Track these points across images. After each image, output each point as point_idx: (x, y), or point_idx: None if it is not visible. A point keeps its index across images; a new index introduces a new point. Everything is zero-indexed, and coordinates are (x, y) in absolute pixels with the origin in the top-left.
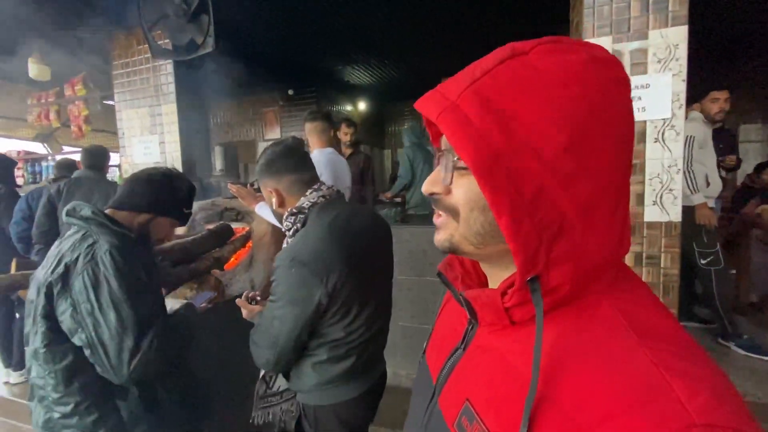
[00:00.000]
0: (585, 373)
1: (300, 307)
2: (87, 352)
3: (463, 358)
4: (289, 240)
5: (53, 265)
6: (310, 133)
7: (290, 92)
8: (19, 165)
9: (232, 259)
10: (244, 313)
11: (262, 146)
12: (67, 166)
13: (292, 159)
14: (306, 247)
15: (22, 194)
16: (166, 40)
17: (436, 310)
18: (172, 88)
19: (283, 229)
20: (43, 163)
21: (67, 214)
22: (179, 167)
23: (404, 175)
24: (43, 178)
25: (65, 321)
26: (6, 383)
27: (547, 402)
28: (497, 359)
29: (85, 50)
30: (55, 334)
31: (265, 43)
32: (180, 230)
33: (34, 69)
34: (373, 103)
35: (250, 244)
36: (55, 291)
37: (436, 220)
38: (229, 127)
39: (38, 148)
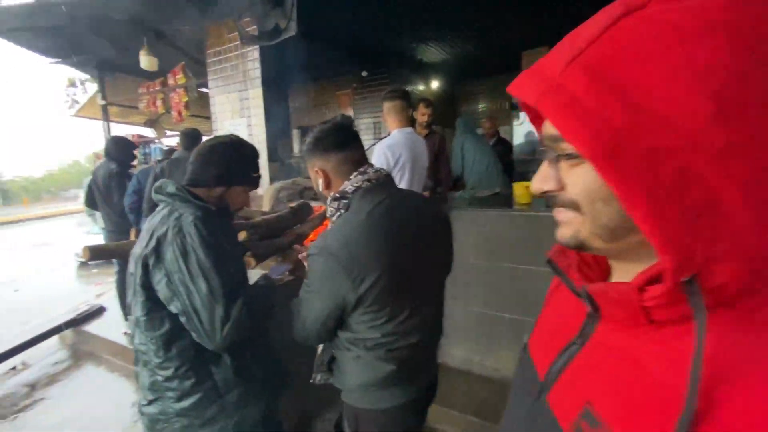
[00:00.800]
0: (757, 389)
1: (325, 300)
2: (183, 319)
3: (580, 355)
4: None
5: (147, 239)
6: (389, 113)
7: (364, 74)
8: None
9: (311, 235)
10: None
11: None
12: (171, 150)
13: (341, 136)
14: (340, 237)
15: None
16: (254, 27)
17: (510, 296)
18: (258, 73)
19: (327, 215)
20: (152, 146)
21: (155, 192)
22: (264, 149)
23: (454, 169)
24: (152, 158)
25: (161, 290)
26: (125, 333)
27: (706, 422)
28: (627, 361)
29: (184, 42)
30: (153, 303)
31: (339, 25)
32: (265, 206)
33: (145, 60)
34: (446, 82)
35: (327, 221)
36: (150, 263)
37: (557, 215)
38: (305, 111)
39: (147, 132)
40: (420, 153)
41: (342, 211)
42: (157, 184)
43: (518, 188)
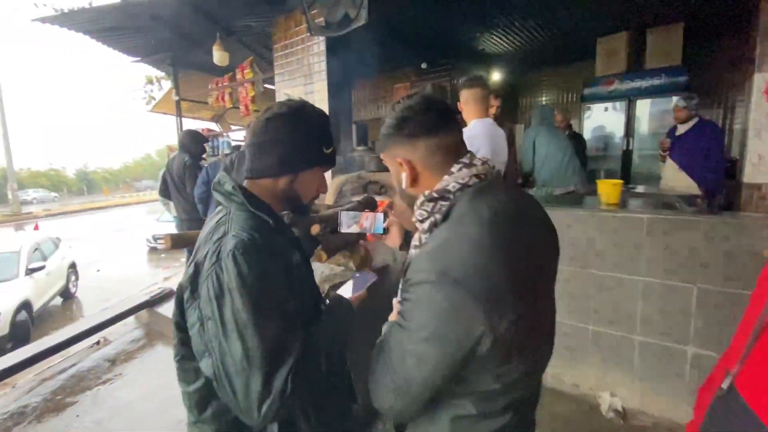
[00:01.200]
0: None
1: (449, 347)
2: (214, 384)
3: None
4: (423, 237)
5: (193, 256)
6: (467, 102)
7: (423, 66)
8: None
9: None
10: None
11: None
12: (238, 145)
13: (434, 116)
14: (461, 257)
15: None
16: (322, 18)
17: (595, 307)
18: (323, 66)
19: (413, 219)
20: (220, 139)
21: (214, 188)
22: None
23: (525, 164)
24: (220, 152)
25: (194, 338)
26: None
27: None
28: None
29: (253, 37)
30: (187, 350)
31: (404, 14)
32: (328, 200)
33: (218, 56)
34: (507, 73)
35: (392, 216)
36: (185, 296)
37: None
38: (361, 106)
39: (214, 127)
40: (500, 146)
41: (438, 216)
42: (216, 178)
43: (604, 186)
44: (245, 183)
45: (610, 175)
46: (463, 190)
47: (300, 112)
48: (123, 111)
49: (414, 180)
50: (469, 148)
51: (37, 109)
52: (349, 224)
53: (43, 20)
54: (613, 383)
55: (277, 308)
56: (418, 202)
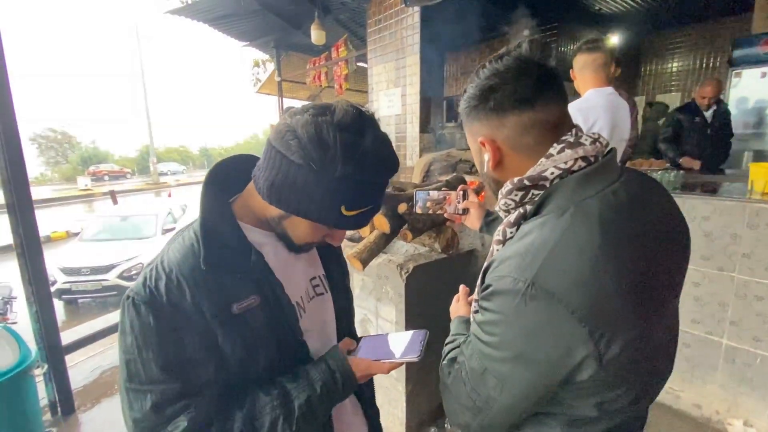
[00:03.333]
0: None
1: (539, 372)
2: None
3: None
4: (509, 231)
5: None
6: (584, 68)
7: (526, 33)
8: None
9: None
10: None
11: None
12: None
13: (529, 83)
14: (558, 262)
15: None
16: None
17: (733, 317)
18: (416, 39)
19: (496, 208)
20: None
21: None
22: (416, 119)
23: (668, 133)
24: None
25: None
26: None
27: None
28: None
29: (348, 14)
30: None
31: None
32: (415, 178)
33: (315, 34)
34: (627, 36)
35: (482, 196)
36: None
37: None
38: (453, 80)
39: None
40: (622, 120)
41: (528, 208)
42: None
43: (759, 171)
44: (248, 185)
45: (761, 157)
46: (565, 177)
47: (330, 143)
48: (234, 93)
49: (499, 163)
50: (582, 121)
51: (166, 95)
52: (424, 204)
53: (174, 12)
54: (748, 410)
55: (165, 371)
56: (504, 190)
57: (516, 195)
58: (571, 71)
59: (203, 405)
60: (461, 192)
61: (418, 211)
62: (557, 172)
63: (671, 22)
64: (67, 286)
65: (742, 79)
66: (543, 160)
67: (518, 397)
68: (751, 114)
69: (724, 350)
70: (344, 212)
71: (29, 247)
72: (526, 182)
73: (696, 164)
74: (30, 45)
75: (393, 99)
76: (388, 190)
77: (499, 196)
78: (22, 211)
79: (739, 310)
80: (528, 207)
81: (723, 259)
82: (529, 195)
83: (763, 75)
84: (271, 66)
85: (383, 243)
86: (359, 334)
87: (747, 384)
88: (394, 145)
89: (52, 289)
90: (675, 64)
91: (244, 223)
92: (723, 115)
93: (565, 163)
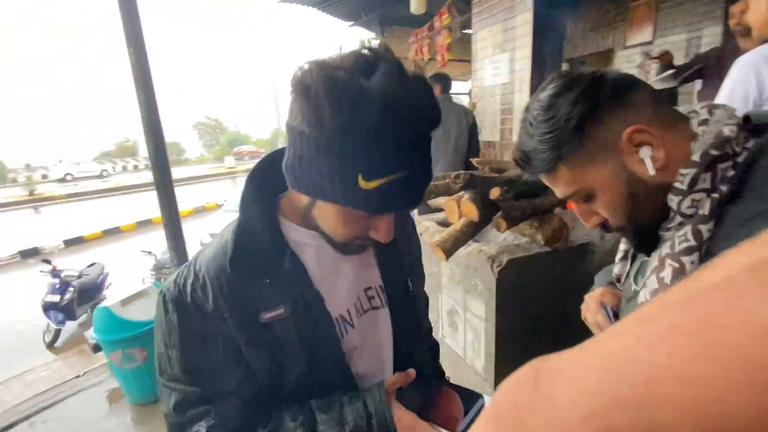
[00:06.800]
0: None
1: None
2: None
3: None
4: (707, 228)
5: None
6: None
7: None
8: None
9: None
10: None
11: (621, 56)
12: None
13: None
14: None
15: None
16: None
17: None
18: None
19: (677, 209)
20: None
21: None
22: (527, 87)
23: None
24: None
25: None
26: None
27: None
28: None
29: None
30: None
31: None
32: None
33: (414, 4)
34: None
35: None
36: None
37: None
38: (579, 38)
39: None
40: None
41: (723, 189)
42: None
43: None
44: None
45: None
46: (761, 133)
47: (326, 93)
48: None
49: (664, 153)
50: (754, 83)
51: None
52: None
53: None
54: None
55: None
56: (684, 185)
57: (703, 181)
58: (734, 17)
59: (225, 414)
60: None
61: None
62: (736, 131)
63: None
64: None
65: None
66: (701, 128)
67: None
68: None
69: None
70: (362, 184)
71: (171, 219)
72: (713, 152)
73: None
74: (187, 48)
75: (499, 66)
76: (481, 171)
77: (674, 203)
78: (165, 189)
79: None
80: (722, 189)
81: None
82: (718, 174)
83: None
84: (376, 44)
85: (471, 232)
86: (447, 326)
87: None
88: (498, 118)
89: None
90: None
91: (289, 222)
92: None
93: (732, 121)
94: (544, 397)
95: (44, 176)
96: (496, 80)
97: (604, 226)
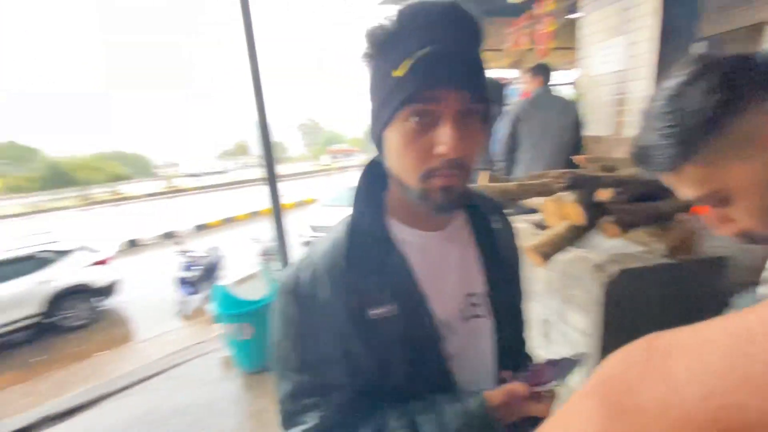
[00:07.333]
0: None
1: None
2: None
3: None
4: None
5: None
6: None
7: None
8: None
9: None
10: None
11: None
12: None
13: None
14: None
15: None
16: None
17: None
18: None
19: None
20: (510, 87)
21: None
22: (649, 73)
23: None
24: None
25: None
26: None
27: None
28: None
29: None
30: None
31: None
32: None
33: None
34: None
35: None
36: None
37: None
38: (721, 11)
39: (505, 75)
40: None
41: None
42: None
43: None
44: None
45: None
46: None
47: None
48: None
49: None
50: None
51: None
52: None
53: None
54: None
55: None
56: None
57: None
58: None
59: (333, 408)
60: None
61: None
62: None
63: None
64: (311, 239)
65: None
66: None
67: None
68: None
69: None
70: (394, 74)
71: (276, 211)
72: None
73: None
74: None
75: (611, 52)
76: (587, 170)
77: None
78: (272, 184)
79: None
80: None
81: None
82: None
83: None
84: None
85: (573, 237)
86: (540, 336)
87: None
88: (608, 110)
89: (301, 242)
90: None
91: (395, 220)
92: None
93: None
94: (659, 372)
95: (177, 171)
96: (606, 68)
97: (747, 236)
